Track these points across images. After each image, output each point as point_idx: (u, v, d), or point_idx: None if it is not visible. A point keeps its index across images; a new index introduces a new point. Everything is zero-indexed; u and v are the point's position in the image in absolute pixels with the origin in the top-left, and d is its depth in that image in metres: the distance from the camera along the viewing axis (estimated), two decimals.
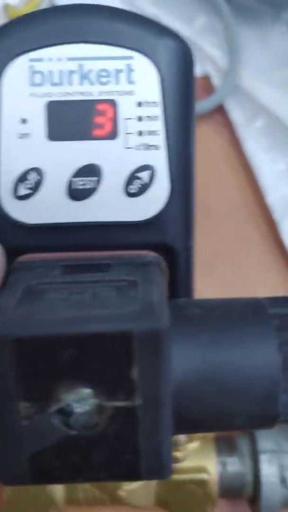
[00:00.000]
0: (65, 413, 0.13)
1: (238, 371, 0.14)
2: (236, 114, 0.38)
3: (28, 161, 0.17)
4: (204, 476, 0.27)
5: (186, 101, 0.17)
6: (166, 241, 0.18)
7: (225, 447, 0.29)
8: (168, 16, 0.39)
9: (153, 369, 0.13)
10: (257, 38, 0.39)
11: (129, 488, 0.27)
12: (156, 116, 0.17)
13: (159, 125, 0.17)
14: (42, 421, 0.13)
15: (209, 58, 0.39)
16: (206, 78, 0.39)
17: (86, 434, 0.14)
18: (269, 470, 0.28)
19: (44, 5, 0.38)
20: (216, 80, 0.38)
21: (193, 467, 0.27)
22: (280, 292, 0.35)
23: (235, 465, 0.28)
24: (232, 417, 0.14)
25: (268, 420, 0.14)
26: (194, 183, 0.18)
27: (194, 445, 0.28)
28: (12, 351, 0.13)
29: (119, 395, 0.13)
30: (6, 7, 0.36)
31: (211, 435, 0.28)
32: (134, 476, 0.14)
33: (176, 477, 0.27)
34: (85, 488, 0.28)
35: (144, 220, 0.18)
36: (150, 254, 0.17)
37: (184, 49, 0.18)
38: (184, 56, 0.17)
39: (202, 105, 0.37)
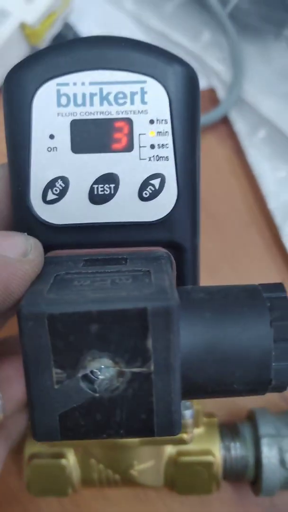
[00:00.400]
0: (91, 378, 0.16)
1: (236, 343, 0.16)
2: (240, 125, 0.39)
3: (55, 170, 0.19)
4: (209, 458, 0.29)
5: (192, 118, 0.19)
6: (175, 239, 0.20)
7: (229, 432, 0.30)
8: (176, 32, 0.41)
9: (164, 341, 0.15)
10: (260, 53, 0.40)
11: (141, 468, 0.29)
12: (166, 132, 0.19)
13: (168, 140, 0.19)
14: (71, 385, 0.16)
15: (214, 72, 0.40)
16: (212, 91, 0.40)
17: (108, 396, 0.16)
18: (269, 453, 0.29)
19: (58, 24, 0.40)
20: (221, 93, 0.40)
21: (199, 450, 0.29)
22: None
23: (238, 449, 0.30)
24: (231, 383, 0.16)
25: (262, 385, 0.16)
26: (199, 189, 0.20)
27: (200, 430, 0.29)
28: (47, 326, 0.15)
29: (136, 363, 0.15)
30: (23, 25, 0.38)
31: (215, 421, 0.30)
32: (148, 432, 0.16)
33: (183, 459, 0.29)
34: (99, 469, 0.29)
35: (156, 220, 0.20)
36: (161, 250, 0.20)
37: (190, 74, 0.19)
38: (190, 80, 0.19)
39: (208, 116, 0.39)
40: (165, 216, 0.20)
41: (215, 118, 0.39)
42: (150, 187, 0.19)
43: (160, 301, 0.15)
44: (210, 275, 0.37)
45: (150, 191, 0.19)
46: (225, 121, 0.40)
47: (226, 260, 0.37)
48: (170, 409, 0.16)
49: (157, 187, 0.19)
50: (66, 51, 0.19)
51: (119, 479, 0.29)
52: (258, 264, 0.37)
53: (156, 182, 0.19)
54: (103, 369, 0.16)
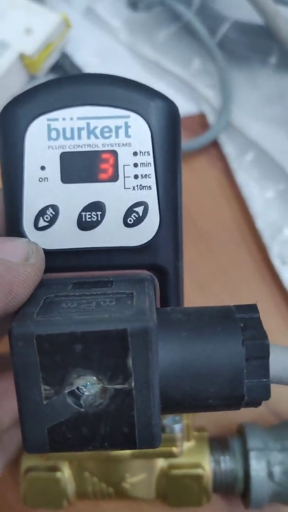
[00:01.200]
0: (77, 394, 0.17)
1: (210, 360, 0.17)
2: (229, 148, 0.40)
3: (46, 199, 0.20)
4: (199, 471, 0.29)
5: (173, 149, 0.20)
6: (158, 262, 0.21)
7: (219, 446, 0.30)
8: (168, 61, 0.42)
9: (144, 359, 0.16)
10: (247, 80, 0.41)
11: (133, 481, 0.29)
12: (148, 163, 0.20)
13: (151, 170, 0.20)
14: (58, 400, 0.16)
15: (204, 98, 0.41)
16: (202, 116, 0.42)
17: (92, 411, 0.17)
18: (257, 466, 0.29)
19: (56, 54, 0.41)
20: (211, 118, 0.41)
21: (189, 463, 0.29)
22: (270, 309, 0.38)
23: (227, 463, 0.30)
24: (207, 398, 0.17)
25: (236, 400, 0.17)
26: (181, 215, 0.21)
27: (190, 444, 0.30)
28: (36, 346, 0.16)
29: (118, 380, 0.16)
30: (22, 56, 0.39)
31: (206, 435, 0.30)
32: (131, 445, 0.17)
33: (174, 472, 0.29)
34: (93, 482, 0.30)
35: (140, 245, 0.20)
36: (144, 273, 0.20)
37: (170, 109, 0.20)
38: (170, 114, 0.20)
39: (199, 140, 0.40)
40: (148, 241, 0.20)
41: (206, 142, 0.40)
42: (134, 214, 0.20)
43: (139, 322, 0.16)
44: (201, 293, 0.38)
45: (134, 218, 0.20)
46: (215, 145, 0.41)
47: (217, 278, 0.38)
48: (150, 423, 0.17)
49: (140, 214, 0.20)
50: (56, 88, 0.20)
51: (112, 491, 0.30)
52: (248, 282, 0.38)
53: (139, 209, 0.20)
54: (88, 386, 0.16)
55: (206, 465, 0.29)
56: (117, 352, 0.16)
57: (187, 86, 0.42)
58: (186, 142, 0.40)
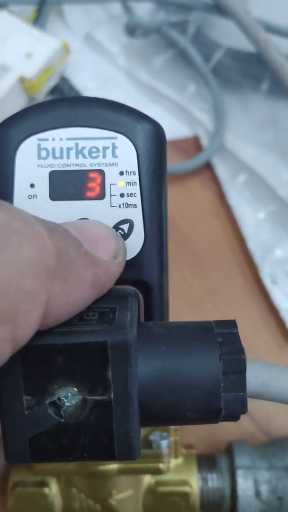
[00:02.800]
0: (58, 405, 0.17)
1: (188, 374, 0.17)
2: (222, 170, 0.41)
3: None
4: (187, 489, 0.29)
5: (158, 170, 0.21)
6: (142, 278, 0.21)
7: (206, 464, 0.30)
8: (163, 85, 0.43)
9: (123, 371, 0.16)
10: (240, 105, 0.42)
11: (119, 497, 0.29)
12: (134, 182, 0.21)
13: (136, 189, 0.21)
14: (40, 411, 0.17)
15: (198, 122, 0.42)
16: (196, 139, 0.42)
17: (73, 422, 0.17)
18: (244, 484, 0.29)
19: (55, 77, 0.42)
20: (204, 141, 0.42)
21: (177, 480, 0.29)
22: (260, 328, 0.38)
23: (215, 481, 0.30)
24: (185, 411, 0.17)
25: (214, 413, 0.17)
26: (167, 233, 0.22)
27: (178, 461, 0.29)
28: (19, 357, 0.16)
29: (97, 391, 0.16)
30: (22, 79, 0.40)
31: (194, 453, 0.30)
32: (110, 456, 0.17)
33: (161, 489, 0.29)
34: (80, 498, 0.29)
35: None
36: (129, 288, 0.21)
37: (156, 131, 0.21)
38: (156, 136, 0.21)
39: (192, 162, 0.40)
40: (133, 258, 0.21)
41: (199, 164, 0.41)
42: (120, 231, 0.21)
43: (119, 335, 0.16)
44: (193, 310, 0.38)
45: (120, 235, 0.20)
46: (208, 167, 0.42)
47: (209, 296, 0.38)
48: (129, 435, 0.17)
49: (126, 231, 0.21)
50: (46, 110, 0.21)
51: (99, 509, 0.29)
52: (239, 301, 0.38)
53: (125, 227, 0.21)
54: (69, 397, 0.17)
55: (194, 482, 0.29)
56: (97, 364, 0.16)
57: (182, 110, 0.43)
58: (180, 164, 0.41)
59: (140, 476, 0.29)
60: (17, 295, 0.15)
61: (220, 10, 0.40)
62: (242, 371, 0.17)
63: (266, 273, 0.38)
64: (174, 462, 0.29)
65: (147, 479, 0.29)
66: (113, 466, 0.28)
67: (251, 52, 0.41)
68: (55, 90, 0.43)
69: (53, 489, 0.29)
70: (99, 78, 0.44)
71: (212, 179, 0.41)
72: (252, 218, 0.39)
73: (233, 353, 0.17)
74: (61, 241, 0.17)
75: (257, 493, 0.30)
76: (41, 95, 0.42)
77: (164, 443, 0.28)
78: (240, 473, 0.30)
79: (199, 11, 0.42)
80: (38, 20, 0.42)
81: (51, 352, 0.16)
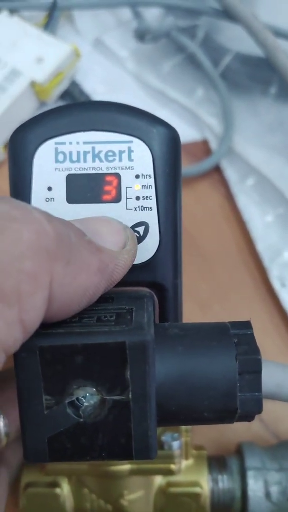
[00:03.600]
0: (77, 405, 0.17)
1: (205, 374, 0.17)
2: (231, 173, 0.41)
3: None
4: (197, 489, 0.29)
5: (173, 173, 0.21)
6: (157, 280, 0.21)
7: (217, 465, 0.30)
8: (172, 89, 0.43)
9: (141, 371, 0.17)
10: (248, 108, 0.42)
11: (131, 497, 0.29)
12: (149, 185, 0.21)
13: (152, 192, 0.21)
14: (59, 410, 0.17)
15: (207, 125, 0.42)
16: (205, 142, 0.43)
17: (91, 422, 0.17)
18: (254, 486, 0.29)
19: (65, 82, 0.43)
20: (213, 144, 0.42)
21: (188, 481, 0.29)
22: (269, 330, 0.38)
23: (225, 482, 0.30)
24: (201, 411, 0.18)
25: (230, 413, 0.18)
26: (181, 235, 0.22)
27: (189, 462, 0.30)
28: (39, 357, 0.16)
29: (116, 391, 0.17)
30: (33, 83, 0.40)
31: (204, 454, 0.30)
32: (128, 456, 0.17)
33: (172, 489, 0.29)
34: (91, 499, 0.30)
35: (140, 263, 0.21)
36: (144, 290, 0.21)
37: (171, 135, 0.21)
38: (171, 140, 0.21)
39: (201, 165, 0.41)
40: (148, 260, 0.21)
41: (208, 167, 0.41)
42: (136, 233, 0.21)
43: (137, 336, 0.16)
44: (202, 312, 0.38)
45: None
46: (217, 170, 0.42)
47: (218, 299, 0.38)
48: (147, 434, 0.17)
49: (141, 233, 0.21)
50: (63, 114, 0.21)
51: (110, 509, 0.30)
52: (247, 303, 0.38)
53: (140, 229, 0.21)
54: (88, 397, 0.17)
55: (204, 483, 0.29)
56: (115, 364, 0.17)
57: (191, 114, 0.43)
58: (189, 167, 0.41)
59: (151, 477, 0.29)
60: (18, 276, 0.15)
61: (229, 15, 0.40)
62: (258, 371, 0.17)
63: (274, 275, 0.38)
64: (185, 463, 0.30)
65: (158, 480, 0.30)
66: (125, 466, 0.28)
67: (259, 56, 0.41)
68: (65, 94, 0.43)
69: (65, 490, 0.29)
70: (109, 82, 0.45)
71: (221, 182, 0.42)
72: (261, 220, 0.40)
73: (249, 353, 0.17)
74: (61, 226, 0.17)
75: (267, 494, 0.30)
76: (52, 100, 0.42)
77: (175, 444, 0.29)
78: (250, 474, 0.30)
79: (207, 16, 0.43)
80: (49, 25, 0.43)
81: (70, 352, 0.17)
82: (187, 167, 0.41)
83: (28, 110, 0.42)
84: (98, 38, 0.46)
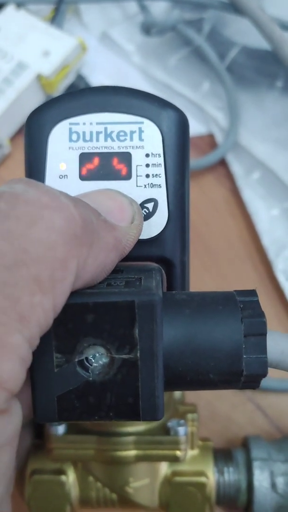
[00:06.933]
0: (86, 365, 0.19)
1: (211, 336, 0.19)
2: (236, 167, 0.43)
3: None
4: (203, 479, 0.30)
5: (181, 153, 0.23)
6: (165, 255, 0.23)
7: (223, 457, 0.32)
8: (178, 83, 0.45)
9: (149, 330, 0.18)
10: (254, 102, 0.44)
11: (136, 485, 0.30)
12: (159, 164, 0.23)
13: (161, 170, 0.23)
14: (69, 369, 0.18)
15: (213, 119, 0.44)
16: (211, 136, 0.45)
17: (100, 380, 0.19)
18: (260, 476, 0.31)
19: (71, 75, 0.45)
20: (219, 138, 0.44)
21: (193, 471, 0.30)
22: (274, 324, 0.40)
23: (231, 474, 0.31)
24: (207, 372, 0.19)
25: (235, 375, 0.19)
26: (188, 212, 0.24)
27: (195, 452, 0.31)
28: None
29: (124, 350, 0.18)
30: (39, 77, 0.43)
31: (211, 445, 0.32)
32: (135, 415, 0.19)
33: (178, 479, 0.30)
34: (97, 487, 0.31)
35: (149, 238, 0.23)
36: (153, 264, 0.23)
37: (180, 117, 0.23)
38: (180, 121, 0.23)
39: (207, 159, 0.42)
40: (157, 235, 0.23)
41: (214, 160, 0.43)
42: (145, 209, 0.23)
43: (146, 296, 0.18)
44: None
45: (145, 213, 0.23)
46: (222, 163, 0.44)
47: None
48: (154, 394, 0.19)
49: (150, 210, 0.23)
50: (78, 97, 0.23)
51: (115, 498, 0.31)
52: None
53: (150, 205, 0.23)
54: (97, 357, 0.19)
55: (210, 473, 0.31)
56: (125, 323, 0.18)
57: (197, 108, 0.45)
58: (195, 160, 0.43)
59: (157, 465, 0.31)
60: (53, 263, 0.17)
61: (235, 8, 0.42)
62: (263, 333, 0.19)
63: (280, 269, 0.39)
64: (190, 453, 0.31)
65: (164, 469, 0.31)
66: (131, 452, 0.29)
67: (266, 50, 0.43)
68: (71, 87, 0.45)
69: (70, 478, 0.31)
70: (115, 76, 0.47)
71: (226, 176, 0.43)
72: (266, 214, 0.41)
73: (254, 316, 0.19)
74: (85, 211, 0.19)
75: (273, 485, 0.31)
76: (58, 93, 0.45)
77: (181, 430, 0.30)
78: (256, 465, 0.31)
79: (214, 10, 0.45)
80: (55, 19, 0.45)
81: (81, 311, 0.18)
82: (193, 161, 0.43)
83: (34, 103, 0.44)
84: (104, 32, 0.48)
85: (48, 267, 0.17)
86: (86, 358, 0.19)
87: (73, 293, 0.18)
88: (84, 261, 0.18)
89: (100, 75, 0.47)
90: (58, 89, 0.44)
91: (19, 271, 0.16)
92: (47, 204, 0.18)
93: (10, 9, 0.45)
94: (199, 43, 0.45)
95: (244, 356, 0.19)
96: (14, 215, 0.17)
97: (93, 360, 0.19)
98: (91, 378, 0.19)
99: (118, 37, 0.47)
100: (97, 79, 0.46)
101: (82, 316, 0.18)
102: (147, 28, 0.45)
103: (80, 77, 0.46)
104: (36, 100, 0.44)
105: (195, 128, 0.45)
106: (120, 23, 0.48)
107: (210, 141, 0.45)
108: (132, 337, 0.18)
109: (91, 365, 0.19)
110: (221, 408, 0.37)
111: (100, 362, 0.19)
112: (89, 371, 0.19)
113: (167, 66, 0.46)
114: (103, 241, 0.19)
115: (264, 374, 0.19)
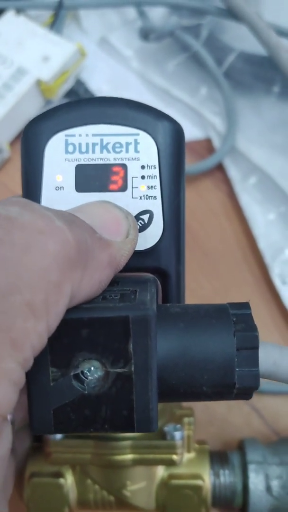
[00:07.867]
0: (81, 378, 0.19)
1: (204, 349, 0.19)
2: (233, 171, 0.43)
3: (61, 206, 0.22)
4: (199, 482, 0.30)
5: (177, 164, 0.23)
6: (161, 266, 0.23)
7: (219, 460, 0.32)
8: (176, 88, 0.45)
9: (143, 345, 0.18)
10: (251, 107, 0.44)
11: (133, 488, 0.30)
12: (154, 176, 0.23)
13: (156, 182, 0.23)
14: (64, 382, 0.18)
15: (210, 124, 0.44)
16: (208, 141, 0.44)
17: (95, 394, 0.19)
18: (256, 479, 0.31)
19: (71, 80, 0.45)
20: (216, 143, 0.44)
21: (189, 474, 0.30)
22: (270, 328, 0.40)
23: (227, 476, 0.31)
24: (201, 385, 0.19)
25: (228, 388, 0.19)
26: (184, 224, 0.24)
27: (191, 455, 0.31)
28: None
29: (119, 364, 0.18)
30: (39, 82, 0.43)
31: (207, 448, 0.32)
32: (129, 427, 0.19)
33: (174, 482, 0.30)
34: (95, 490, 0.31)
35: (144, 250, 0.23)
36: (148, 275, 0.23)
37: (176, 128, 0.23)
38: (175, 133, 0.23)
39: (204, 163, 0.42)
40: (152, 246, 0.23)
41: (211, 165, 0.43)
42: (140, 221, 0.23)
43: (140, 311, 0.18)
44: None
45: (140, 225, 0.23)
46: (220, 168, 0.44)
47: (219, 296, 0.40)
48: (148, 407, 0.19)
49: (146, 221, 0.23)
50: (74, 108, 0.23)
51: (113, 501, 0.31)
52: (248, 299, 0.40)
53: (145, 217, 0.23)
54: (92, 370, 0.19)
55: (206, 476, 0.31)
56: (119, 337, 0.18)
57: (195, 113, 0.45)
58: (193, 165, 0.43)
59: (153, 468, 0.31)
60: (47, 288, 0.17)
61: (233, 14, 0.42)
62: (255, 347, 0.19)
63: (276, 273, 0.39)
64: (187, 456, 0.31)
65: (161, 472, 0.31)
66: (128, 456, 0.29)
67: (263, 55, 0.43)
68: (71, 93, 0.45)
69: (69, 480, 0.31)
70: (114, 81, 0.46)
71: (223, 181, 0.43)
72: (263, 219, 0.41)
73: (246, 330, 0.19)
74: (80, 232, 0.19)
75: (268, 488, 0.31)
76: (57, 98, 0.44)
77: (177, 434, 0.30)
78: (251, 468, 0.31)
79: (211, 16, 0.44)
80: (55, 24, 0.45)
81: (76, 326, 0.18)
82: (190, 165, 0.43)
83: (33, 109, 0.44)
84: (103, 37, 0.48)
85: (42, 292, 0.17)
86: (82, 372, 0.19)
87: (69, 309, 0.18)
88: (79, 282, 0.18)
89: (99, 80, 0.46)
90: (58, 94, 0.44)
91: (13, 297, 0.16)
92: (42, 229, 0.18)
93: (10, 15, 0.44)
94: (196, 48, 0.45)
95: (237, 369, 0.19)
96: (8, 241, 0.17)
97: (88, 374, 0.19)
98: (86, 392, 0.19)
99: (117, 43, 0.47)
100: (96, 84, 0.46)
101: (77, 331, 0.18)
102: (146, 34, 0.45)
103: (79, 82, 0.46)
104: (35, 105, 0.44)
105: (193, 132, 0.45)
106: (118, 29, 0.48)
107: (207, 146, 0.45)
108: (126, 351, 0.18)
109: (86, 378, 0.19)
110: (217, 410, 0.37)
111: (95, 375, 0.19)
112: (85, 385, 0.19)
113: (165, 71, 0.46)
114: (98, 260, 0.19)
115: (256, 387, 0.19)
